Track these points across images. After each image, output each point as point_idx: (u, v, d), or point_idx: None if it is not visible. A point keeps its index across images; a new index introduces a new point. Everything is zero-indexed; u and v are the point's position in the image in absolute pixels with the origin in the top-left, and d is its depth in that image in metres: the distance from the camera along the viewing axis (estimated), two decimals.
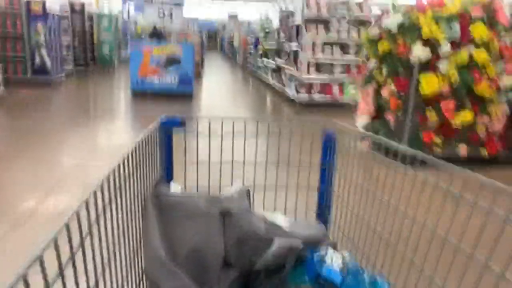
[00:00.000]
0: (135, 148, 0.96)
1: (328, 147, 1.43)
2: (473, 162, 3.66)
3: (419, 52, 3.55)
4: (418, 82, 3.70)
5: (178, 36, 9.55)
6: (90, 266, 0.68)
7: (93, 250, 0.70)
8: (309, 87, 7.20)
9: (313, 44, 7.02)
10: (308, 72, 7.11)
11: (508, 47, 3.62)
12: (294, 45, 7.62)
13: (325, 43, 7.05)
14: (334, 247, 1.22)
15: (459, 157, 3.85)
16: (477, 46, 3.55)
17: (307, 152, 1.40)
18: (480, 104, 3.78)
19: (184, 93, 7.55)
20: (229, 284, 1.07)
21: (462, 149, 3.88)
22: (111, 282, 0.80)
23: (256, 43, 12.79)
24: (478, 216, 0.84)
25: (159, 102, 7.04)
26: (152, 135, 1.12)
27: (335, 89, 7.18)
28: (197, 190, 1.31)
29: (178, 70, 7.46)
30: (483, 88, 3.62)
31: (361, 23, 7.10)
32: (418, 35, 3.59)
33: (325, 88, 7.21)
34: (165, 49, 7.43)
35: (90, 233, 0.68)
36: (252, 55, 13.71)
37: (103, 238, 0.75)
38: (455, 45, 3.56)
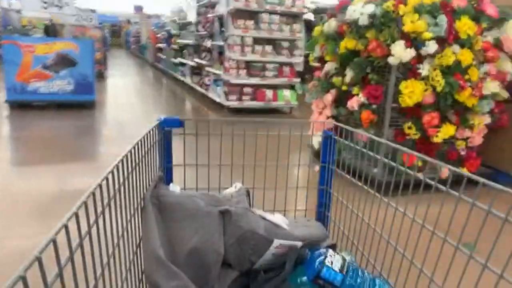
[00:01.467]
0: (134, 148, 0.94)
1: (328, 146, 1.44)
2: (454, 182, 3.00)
3: (400, 52, 2.74)
4: (398, 90, 2.90)
5: (73, 30, 7.77)
6: (89, 267, 0.66)
7: (92, 251, 0.67)
8: (240, 91, 6.19)
9: (242, 42, 6.00)
10: (238, 74, 6.09)
11: (492, 45, 3.01)
12: (217, 42, 6.53)
13: (255, 41, 6.09)
14: (334, 247, 1.27)
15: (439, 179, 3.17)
16: (461, 44, 2.87)
17: (307, 153, 1.55)
18: (461, 115, 3.14)
19: (84, 102, 5.97)
20: (229, 284, 1.08)
21: (444, 170, 3.22)
22: (111, 283, 0.78)
23: (169, 39, 11.39)
24: (478, 216, 0.84)
25: (48, 117, 5.36)
26: (151, 136, 1.10)
27: (269, 93, 6.28)
28: (197, 191, 1.28)
29: (74, 73, 5.84)
30: (466, 95, 2.97)
31: (295, 17, 6.28)
32: (398, 30, 2.78)
33: (257, 92, 6.27)
34: (53, 46, 5.74)
35: (89, 233, 0.67)
36: (165, 53, 12.26)
37: (102, 239, 0.73)
38: (439, 43, 2.82)
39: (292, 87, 6.45)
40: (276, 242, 1.10)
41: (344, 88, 3.29)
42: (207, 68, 7.30)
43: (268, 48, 6.17)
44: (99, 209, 0.72)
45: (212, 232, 1.05)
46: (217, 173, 1.36)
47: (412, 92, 2.83)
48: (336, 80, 3.39)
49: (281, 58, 6.26)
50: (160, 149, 1.27)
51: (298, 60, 6.41)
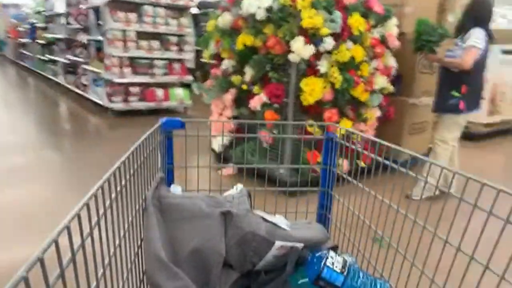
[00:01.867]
0: (136, 149, 0.94)
1: (329, 148, 1.44)
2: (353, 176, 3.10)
3: (300, 48, 2.65)
4: (299, 88, 2.82)
5: None
6: (91, 268, 0.66)
7: (94, 252, 0.68)
8: (125, 91, 5.57)
9: (124, 36, 5.39)
10: (121, 72, 5.46)
11: (379, 42, 3.14)
12: (94, 37, 5.76)
13: (139, 35, 5.53)
14: (335, 249, 1.26)
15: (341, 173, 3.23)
16: (354, 41, 2.92)
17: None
18: (356, 110, 3.24)
19: None
20: (230, 285, 1.08)
21: (345, 165, 3.28)
22: (112, 284, 0.77)
23: (33, 32, 9.85)
24: (478, 217, 0.85)
25: None
26: (152, 137, 1.11)
27: (159, 92, 5.79)
28: (198, 192, 1.27)
29: None
30: (359, 91, 3.05)
31: (182, 10, 5.89)
32: (297, 26, 2.68)
33: (146, 92, 5.73)
34: None
35: (91, 234, 0.67)
36: (30, 49, 10.59)
37: (104, 240, 0.74)
38: (334, 39, 2.82)
39: (184, 85, 6.07)
40: (277, 243, 1.11)
41: (244, 87, 3.10)
42: (83, 66, 6.43)
43: (155, 43, 5.67)
44: (101, 211, 0.72)
45: (214, 233, 1.05)
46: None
47: (313, 90, 2.77)
48: (235, 78, 3.18)
49: (170, 54, 5.82)
50: (162, 150, 1.27)
51: (188, 56, 6.05)
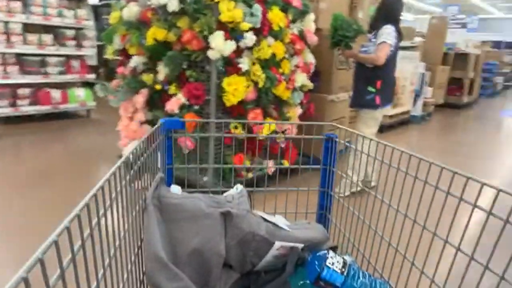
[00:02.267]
0: (136, 149, 0.95)
1: (329, 148, 1.43)
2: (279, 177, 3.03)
3: (220, 44, 2.42)
4: (221, 88, 2.59)
5: None
6: (91, 269, 0.67)
7: (94, 252, 0.68)
8: (12, 94, 4.75)
9: (7, 29, 4.57)
10: (5, 71, 4.64)
11: (299, 38, 3.06)
12: None
13: (27, 28, 4.74)
14: (335, 249, 1.25)
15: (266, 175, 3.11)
16: (274, 36, 2.79)
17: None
18: (279, 109, 3.13)
19: None
20: (230, 285, 1.09)
21: (270, 164, 3.16)
22: (112, 284, 0.77)
23: None
24: (479, 218, 0.85)
25: None
26: (152, 137, 1.12)
27: (55, 94, 5.06)
28: (198, 192, 1.24)
29: None
30: (282, 89, 2.94)
31: (79, 1, 5.20)
32: (215, 19, 2.45)
33: (39, 94, 4.96)
34: None
35: (91, 235, 0.66)
36: None
37: (104, 240, 0.73)
38: (255, 35, 2.65)
39: (87, 84, 5.40)
40: (277, 244, 1.11)
41: (157, 87, 2.77)
42: None
43: (47, 37, 4.92)
44: (101, 211, 0.72)
45: (213, 234, 1.05)
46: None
47: (236, 90, 2.57)
48: (146, 77, 2.82)
49: (67, 50, 5.12)
50: (162, 150, 1.27)
51: (90, 52, 5.40)
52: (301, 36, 3.10)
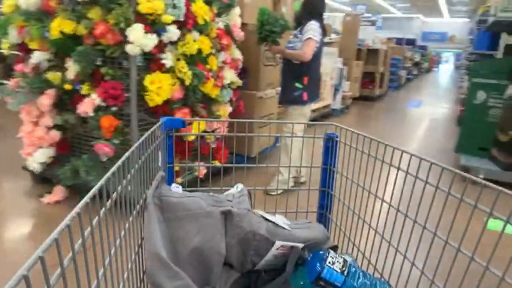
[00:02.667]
0: (137, 148, 0.95)
1: (329, 148, 1.44)
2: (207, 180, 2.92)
3: (140, 38, 2.17)
4: (142, 86, 2.34)
5: None
6: (91, 267, 0.66)
7: (94, 251, 0.69)
8: None
9: None
10: None
11: (225, 33, 2.91)
12: None
13: None
14: (335, 249, 1.25)
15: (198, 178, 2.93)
16: (199, 31, 2.61)
17: (309, 154, 1.40)
18: (208, 108, 2.96)
19: None
20: (230, 285, 1.10)
21: (202, 169, 2.98)
22: (112, 283, 0.77)
23: None
24: (479, 218, 0.87)
25: None
26: (153, 136, 1.12)
27: None
28: (198, 191, 1.25)
29: None
30: (210, 86, 2.78)
31: None
32: (133, 11, 2.18)
33: None
34: None
35: (92, 233, 0.67)
36: None
37: (104, 239, 0.74)
38: (179, 28, 2.43)
39: None
40: (278, 243, 1.12)
41: (67, 87, 2.41)
42: None
43: None
44: (102, 210, 0.72)
45: (214, 233, 1.05)
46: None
47: (160, 88, 2.34)
48: (53, 76, 2.44)
49: None
50: (162, 149, 1.26)
51: None
52: (227, 31, 2.96)
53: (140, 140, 1.00)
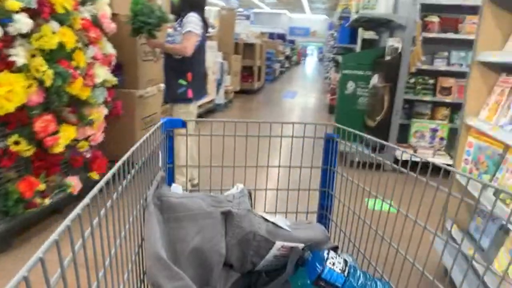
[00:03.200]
0: (137, 149, 0.96)
1: (330, 148, 1.44)
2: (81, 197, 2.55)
3: None
4: None
5: None
6: (92, 268, 0.67)
7: (94, 252, 0.69)
8: None
9: None
10: None
11: (92, 24, 2.52)
12: None
13: None
14: (335, 249, 1.24)
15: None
16: (59, 21, 2.18)
17: (309, 153, 1.40)
18: (78, 111, 2.53)
19: None
20: (231, 285, 1.10)
21: (76, 184, 2.55)
22: (113, 284, 0.77)
23: None
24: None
25: None
26: (153, 136, 1.13)
27: None
28: (199, 191, 1.29)
29: None
30: (78, 87, 2.38)
31: None
32: None
33: None
34: None
35: (92, 234, 0.67)
36: None
37: (105, 240, 0.74)
38: (31, 18, 1.98)
39: None
40: (278, 243, 1.11)
41: None
42: None
43: None
44: (102, 210, 0.73)
45: (214, 233, 1.05)
46: (219, 174, 1.40)
47: (10, 92, 1.88)
48: None
49: None
50: (163, 150, 1.28)
51: None
52: (95, 22, 2.56)
53: (141, 141, 0.99)
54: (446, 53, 3.91)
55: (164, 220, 1.04)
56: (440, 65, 3.91)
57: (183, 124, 1.31)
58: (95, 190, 0.69)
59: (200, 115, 5.87)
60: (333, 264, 1.08)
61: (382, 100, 3.95)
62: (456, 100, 3.87)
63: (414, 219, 1.05)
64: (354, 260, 1.28)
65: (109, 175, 0.77)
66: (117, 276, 0.81)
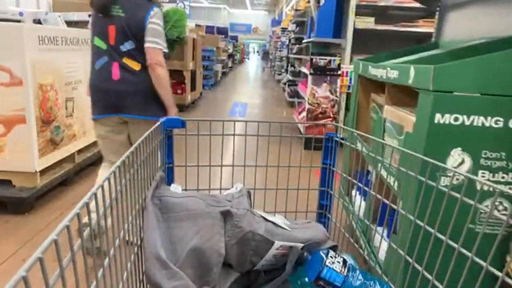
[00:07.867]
0: (136, 148, 0.96)
1: (329, 147, 1.43)
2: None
3: None
4: None
5: None
6: (90, 268, 0.67)
7: (94, 252, 0.69)
8: None
9: None
10: None
11: None
12: None
13: None
14: (335, 248, 1.23)
15: None
16: None
17: (309, 153, 1.39)
18: None
19: None
20: (230, 285, 1.10)
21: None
22: (112, 284, 0.78)
23: None
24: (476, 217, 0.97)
25: None
26: (153, 136, 1.12)
27: None
28: (198, 191, 1.30)
29: None
30: None
31: None
32: None
33: None
34: None
35: (91, 234, 0.68)
36: None
37: (104, 239, 0.75)
38: None
39: None
40: (277, 243, 1.10)
41: None
42: None
43: None
44: (101, 210, 0.73)
45: (213, 233, 1.05)
46: (218, 174, 1.40)
47: None
48: None
49: None
50: (162, 149, 1.28)
51: None
52: None
53: (140, 140, 0.98)
54: None
55: (164, 219, 1.04)
56: None
57: (183, 124, 1.30)
58: (94, 189, 0.68)
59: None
60: (333, 263, 1.08)
61: None
62: None
63: (414, 218, 1.06)
64: (354, 259, 1.29)
65: (108, 174, 0.76)
66: (116, 276, 0.81)
